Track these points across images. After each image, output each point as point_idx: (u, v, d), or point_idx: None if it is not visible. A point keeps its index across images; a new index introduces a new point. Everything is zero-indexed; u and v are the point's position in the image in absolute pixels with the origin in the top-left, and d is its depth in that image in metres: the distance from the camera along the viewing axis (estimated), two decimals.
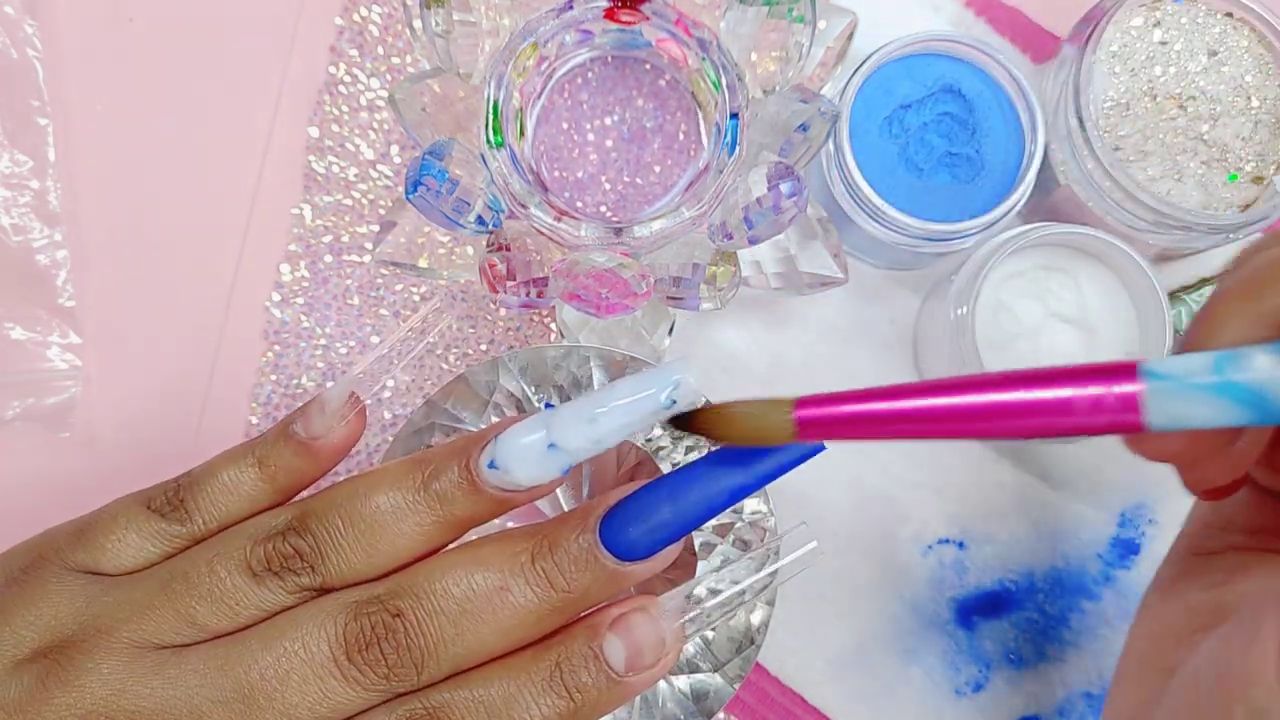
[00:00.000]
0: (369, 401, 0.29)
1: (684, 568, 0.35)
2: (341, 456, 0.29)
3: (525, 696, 0.26)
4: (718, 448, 0.26)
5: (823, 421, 0.23)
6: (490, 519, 0.27)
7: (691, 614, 0.27)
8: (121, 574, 0.27)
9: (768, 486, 0.34)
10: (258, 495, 0.28)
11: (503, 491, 0.26)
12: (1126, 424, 0.22)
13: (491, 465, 0.26)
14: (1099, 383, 0.22)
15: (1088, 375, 0.22)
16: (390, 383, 0.43)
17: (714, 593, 0.28)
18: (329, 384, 0.43)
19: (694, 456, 0.34)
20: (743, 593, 0.28)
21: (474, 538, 0.28)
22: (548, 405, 0.27)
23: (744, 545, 0.34)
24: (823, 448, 0.25)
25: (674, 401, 0.25)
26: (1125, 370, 0.22)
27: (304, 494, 0.29)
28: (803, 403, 0.23)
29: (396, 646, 0.25)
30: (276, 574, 0.26)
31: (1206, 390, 0.21)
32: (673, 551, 0.27)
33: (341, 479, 0.28)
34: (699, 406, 0.25)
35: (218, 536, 0.27)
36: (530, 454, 0.26)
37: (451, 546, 0.28)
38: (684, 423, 0.25)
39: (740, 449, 0.26)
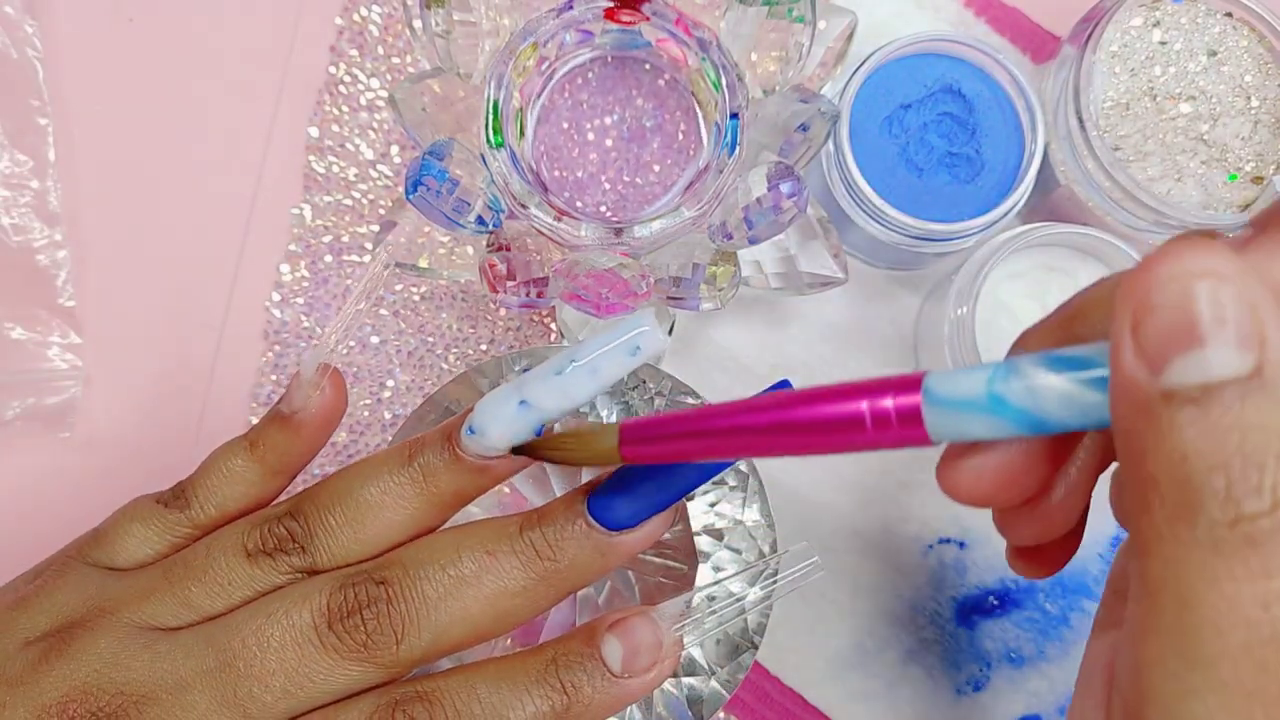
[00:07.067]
0: (339, 366, 0.30)
1: (683, 578, 0.35)
2: (327, 429, 0.29)
3: (519, 688, 0.26)
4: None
5: (641, 447, 0.24)
6: (475, 493, 0.28)
7: (690, 620, 0.27)
8: (134, 567, 0.28)
9: (768, 491, 0.34)
10: (250, 475, 0.29)
11: (482, 459, 0.27)
12: (914, 437, 0.21)
13: (470, 431, 0.26)
14: (885, 395, 0.21)
15: (876, 389, 0.21)
16: (390, 381, 0.43)
17: (712, 600, 0.28)
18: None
19: None
20: (741, 602, 0.28)
21: None
22: (524, 369, 0.27)
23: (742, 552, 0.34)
24: None
25: (638, 349, 0.26)
26: (911, 383, 0.21)
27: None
28: (626, 430, 0.25)
29: (376, 614, 0.26)
30: (269, 554, 0.27)
31: (977, 406, 0.20)
32: (661, 525, 0.27)
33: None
34: (538, 438, 0.26)
35: (221, 529, 0.28)
36: (502, 412, 0.26)
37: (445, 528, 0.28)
38: (526, 450, 0.26)
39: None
